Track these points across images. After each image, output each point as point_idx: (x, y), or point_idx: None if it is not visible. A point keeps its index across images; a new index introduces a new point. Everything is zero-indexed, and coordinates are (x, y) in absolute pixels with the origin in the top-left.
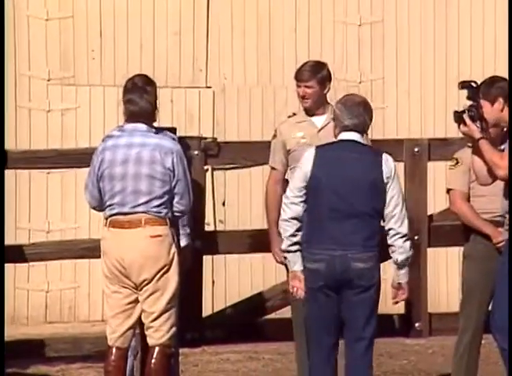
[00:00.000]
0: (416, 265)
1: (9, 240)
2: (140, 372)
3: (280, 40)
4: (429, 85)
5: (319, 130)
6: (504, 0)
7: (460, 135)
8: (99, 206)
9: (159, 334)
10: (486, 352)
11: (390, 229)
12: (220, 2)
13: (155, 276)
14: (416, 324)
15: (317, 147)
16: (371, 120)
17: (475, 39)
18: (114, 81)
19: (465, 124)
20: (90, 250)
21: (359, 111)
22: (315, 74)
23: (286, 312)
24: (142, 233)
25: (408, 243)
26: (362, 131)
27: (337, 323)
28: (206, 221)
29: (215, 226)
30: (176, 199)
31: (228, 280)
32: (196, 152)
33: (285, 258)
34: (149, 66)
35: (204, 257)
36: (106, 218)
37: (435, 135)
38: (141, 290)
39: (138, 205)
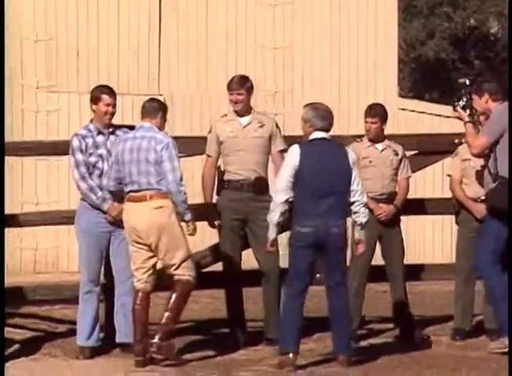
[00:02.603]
0: None
1: (6, 210)
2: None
3: (214, 58)
4: (326, 94)
5: (244, 127)
6: (382, 33)
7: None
8: (117, 185)
9: (181, 276)
10: (370, 296)
11: (355, 201)
12: (169, 28)
13: (161, 238)
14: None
15: (300, 145)
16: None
17: (361, 60)
18: (88, 89)
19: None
20: (69, 218)
21: (328, 116)
22: (243, 84)
23: (219, 266)
24: (148, 205)
25: (367, 209)
26: (328, 130)
27: (310, 272)
28: None
29: None
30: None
31: None
32: None
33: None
34: (115, 78)
35: None
36: (126, 194)
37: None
38: (155, 249)
39: (144, 183)
